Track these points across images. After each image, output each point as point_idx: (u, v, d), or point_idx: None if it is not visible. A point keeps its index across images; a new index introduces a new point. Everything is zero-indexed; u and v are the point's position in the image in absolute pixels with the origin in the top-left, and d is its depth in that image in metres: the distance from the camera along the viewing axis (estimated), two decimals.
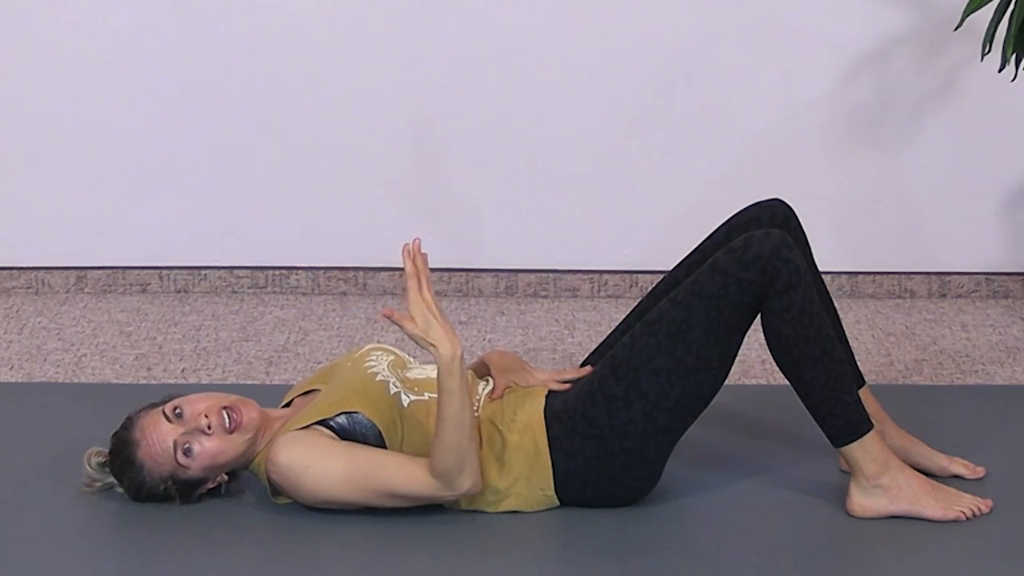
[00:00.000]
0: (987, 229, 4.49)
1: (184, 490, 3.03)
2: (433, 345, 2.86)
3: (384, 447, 2.98)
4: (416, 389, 3.08)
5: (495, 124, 4.43)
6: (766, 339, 2.98)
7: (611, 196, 4.48)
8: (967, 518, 3.01)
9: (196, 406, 3.01)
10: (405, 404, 3.04)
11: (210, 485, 3.06)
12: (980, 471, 3.21)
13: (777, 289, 2.92)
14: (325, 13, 4.36)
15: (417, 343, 2.88)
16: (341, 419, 2.99)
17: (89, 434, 3.22)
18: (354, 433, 2.98)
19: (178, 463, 2.98)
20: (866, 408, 3.06)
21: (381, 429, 2.99)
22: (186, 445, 2.97)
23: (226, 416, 2.99)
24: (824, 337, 2.95)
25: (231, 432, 2.99)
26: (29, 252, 4.53)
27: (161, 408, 3.02)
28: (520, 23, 4.36)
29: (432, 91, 4.41)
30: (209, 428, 2.97)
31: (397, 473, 2.92)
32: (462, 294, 4.54)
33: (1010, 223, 4.48)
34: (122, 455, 3.02)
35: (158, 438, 2.98)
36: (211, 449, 2.98)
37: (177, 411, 3.00)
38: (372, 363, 3.13)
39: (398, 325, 2.85)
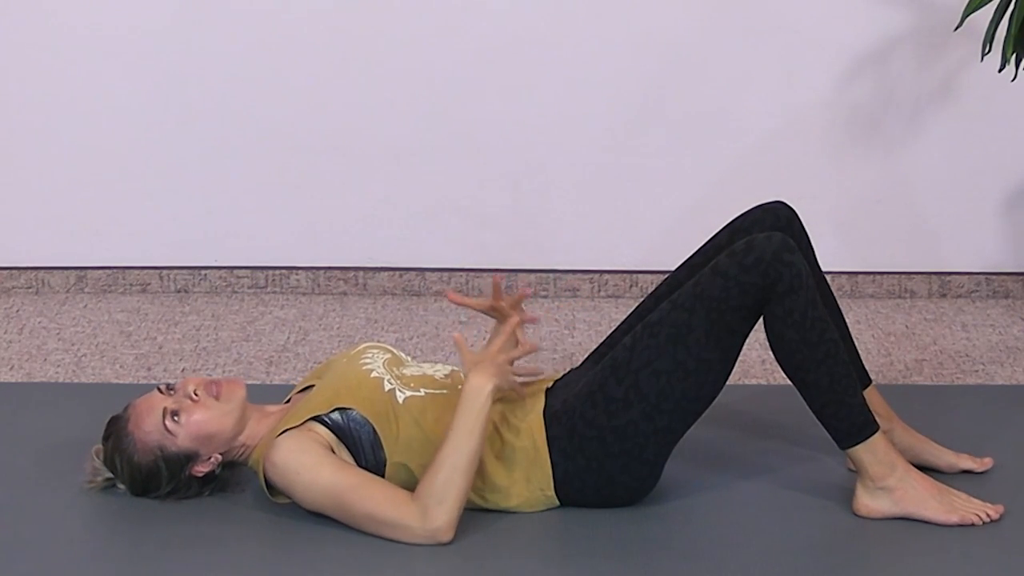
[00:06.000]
0: (987, 229, 4.49)
1: (174, 465, 3.04)
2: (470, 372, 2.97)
3: (380, 443, 2.99)
4: (412, 385, 3.08)
5: (495, 124, 4.43)
6: (769, 342, 2.97)
7: (611, 196, 4.48)
8: (972, 524, 2.99)
9: (187, 381, 3.09)
10: (400, 400, 3.04)
11: (201, 467, 3.06)
12: (987, 462, 3.23)
13: (779, 293, 2.92)
14: (325, 14, 4.36)
15: (463, 364, 2.98)
16: (335, 415, 3.00)
17: (89, 434, 3.22)
18: (349, 429, 2.99)
19: (167, 429, 3.02)
20: (873, 407, 3.06)
21: (375, 425, 2.99)
22: (174, 410, 3.02)
23: (213, 387, 3.07)
24: (827, 340, 2.94)
25: (216, 399, 3.05)
26: (29, 252, 4.53)
27: (156, 387, 3.12)
28: (519, 24, 4.36)
29: (431, 91, 4.40)
30: (196, 394, 3.04)
31: (378, 492, 2.92)
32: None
33: (1010, 223, 4.48)
34: (113, 431, 3.08)
35: (148, 407, 3.05)
36: (198, 418, 3.03)
37: (170, 386, 3.09)
38: (367, 361, 3.14)
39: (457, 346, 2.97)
